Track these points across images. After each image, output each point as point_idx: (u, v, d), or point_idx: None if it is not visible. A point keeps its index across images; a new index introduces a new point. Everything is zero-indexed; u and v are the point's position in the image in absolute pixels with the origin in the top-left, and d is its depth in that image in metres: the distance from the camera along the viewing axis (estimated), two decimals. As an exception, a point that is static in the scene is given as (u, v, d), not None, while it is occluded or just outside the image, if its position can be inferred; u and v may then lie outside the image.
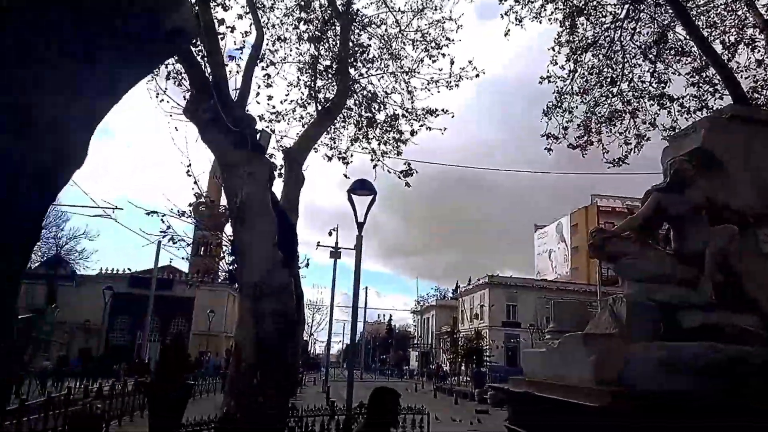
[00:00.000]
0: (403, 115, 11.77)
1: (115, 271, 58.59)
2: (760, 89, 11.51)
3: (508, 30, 11.74)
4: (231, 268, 7.71)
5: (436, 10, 11.56)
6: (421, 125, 11.60)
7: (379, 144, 11.93)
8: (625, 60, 12.00)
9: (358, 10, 11.30)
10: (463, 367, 46.86)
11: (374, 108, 11.95)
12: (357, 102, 11.94)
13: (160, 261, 41.23)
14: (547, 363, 5.45)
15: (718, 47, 10.95)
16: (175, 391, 12.56)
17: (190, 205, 9.23)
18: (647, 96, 11.82)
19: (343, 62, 10.71)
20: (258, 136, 7.88)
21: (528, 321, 44.90)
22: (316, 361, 66.71)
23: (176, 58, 8.72)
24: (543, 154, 12.18)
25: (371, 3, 11.63)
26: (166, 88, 9.22)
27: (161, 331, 52.94)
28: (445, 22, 11.48)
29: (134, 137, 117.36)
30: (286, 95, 11.56)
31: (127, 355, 45.32)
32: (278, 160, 9.86)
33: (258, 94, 10.73)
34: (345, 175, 11.77)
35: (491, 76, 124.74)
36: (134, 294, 52.74)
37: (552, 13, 11.84)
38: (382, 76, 11.86)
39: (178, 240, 8.64)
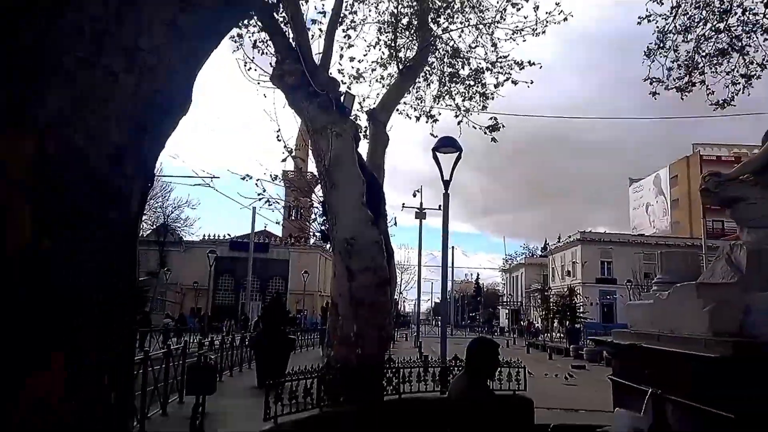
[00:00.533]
0: (488, 69, 11.42)
1: (216, 237, 62.56)
2: None
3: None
4: (323, 228, 8.02)
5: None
6: (507, 78, 11.23)
7: (463, 100, 11.71)
8: (735, -11, 10.82)
9: (438, -39, 10.98)
10: (555, 324, 46.12)
11: (457, 63, 11.69)
12: (439, 58, 11.73)
13: (255, 226, 43.63)
14: (655, 315, 5.27)
15: None
16: (278, 344, 13.48)
17: (283, 161, 9.57)
18: (759, 30, 10.63)
19: (423, 17, 10.53)
20: (342, 98, 8.03)
21: (624, 277, 43.06)
22: (406, 318, 68.24)
23: (261, 26, 8.98)
24: (635, 106, 11.43)
25: (451, -48, 11.24)
26: (252, 57, 9.55)
27: (261, 290, 56.30)
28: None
29: (226, 108, 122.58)
30: (364, 55, 11.57)
31: (232, 313, 48.77)
32: (362, 121, 10.00)
33: (341, 56, 10.85)
34: (432, 134, 11.69)
35: (580, 29, 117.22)
36: (234, 257, 56.26)
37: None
38: (465, 30, 11.53)
39: (273, 202, 9.05)
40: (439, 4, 11.04)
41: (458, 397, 3.69)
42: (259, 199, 8.79)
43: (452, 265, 53.80)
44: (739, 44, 10.90)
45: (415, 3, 11.02)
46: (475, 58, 11.49)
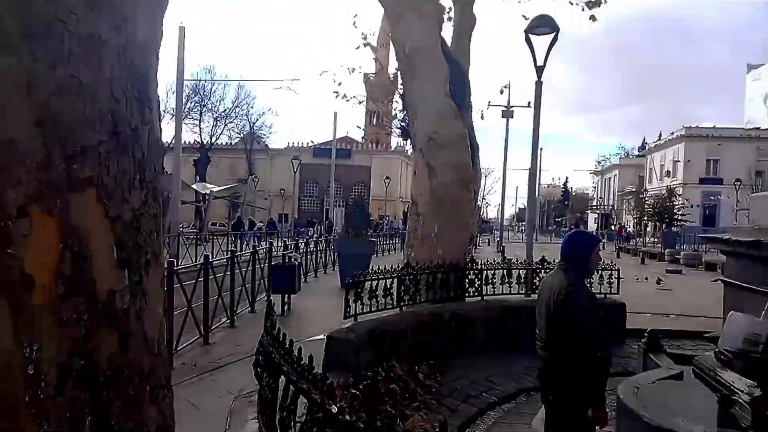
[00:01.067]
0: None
1: (299, 144, 63.66)
2: None
3: None
4: (403, 123, 7.46)
5: None
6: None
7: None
8: None
9: None
10: (648, 228, 43.79)
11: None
12: None
13: (337, 133, 43.59)
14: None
15: None
16: (360, 246, 13.53)
17: (357, 48, 8.81)
18: None
19: None
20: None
21: (732, 177, 39.49)
22: (488, 224, 67.63)
23: None
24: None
25: None
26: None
27: (343, 197, 57.47)
28: None
29: (301, 10, 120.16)
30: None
31: (316, 217, 50.40)
32: (446, 1, 8.94)
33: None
34: (524, 16, 10.41)
35: None
36: (318, 164, 57.25)
37: None
38: None
39: (351, 98, 8.53)
40: None
41: (554, 296, 3.19)
42: (336, 96, 8.24)
43: (540, 167, 51.80)
44: None
45: None
46: None
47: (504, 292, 7.48)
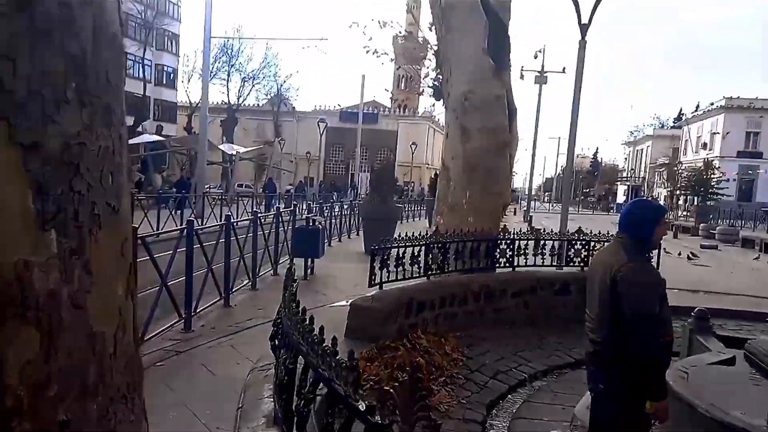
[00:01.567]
0: None
1: (326, 108, 63.04)
2: None
3: None
4: (436, 83, 7.00)
5: None
6: None
7: None
8: None
9: None
10: (680, 202, 42.47)
11: None
12: None
13: (364, 97, 42.92)
14: None
15: None
16: (385, 212, 13.24)
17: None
18: None
19: None
20: None
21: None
22: (514, 193, 66.61)
23: None
24: None
25: None
26: None
27: (369, 162, 57.04)
28: None
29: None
30: None
31: (341, 182, 50.21)
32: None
33: None
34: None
35: None
36: (344, 128, 56.74)
37: None
38: None
39: (381, 54, 8.06)
40: None
41: (610, 273, 2.81)
42: (367, 52, 7.79)
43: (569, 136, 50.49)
44: None
45: None
46: None
47: (537, 263, 7.11)
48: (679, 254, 16.51)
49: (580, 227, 7.36)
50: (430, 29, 7.77)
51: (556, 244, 7.24)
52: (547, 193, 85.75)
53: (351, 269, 10.32)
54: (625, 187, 72.27)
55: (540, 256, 7.11)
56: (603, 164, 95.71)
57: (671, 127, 69.58)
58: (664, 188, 50.99)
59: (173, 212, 17.01)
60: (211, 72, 32.86)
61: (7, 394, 0.89)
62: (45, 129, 0.93)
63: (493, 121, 6.24)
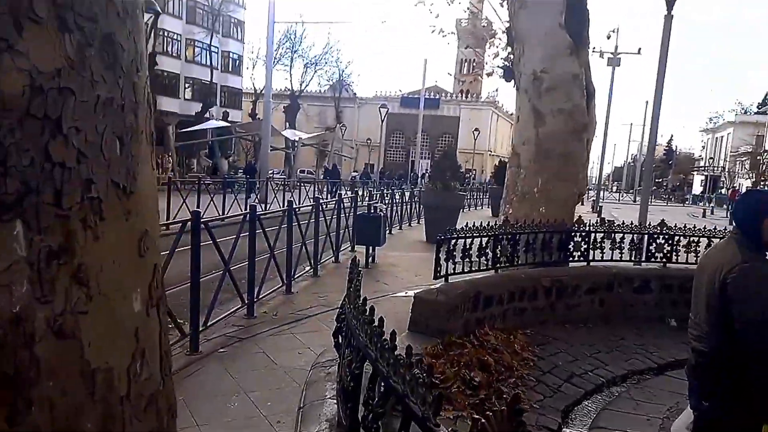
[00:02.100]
0: None
1: (387, 93, 62.87)
2: None
3: None
4: (506, 63, 6.59)
5: None
6: None
7: None
8: None
9: None
10: None
11: None
12: None
13: (426, 82, 42.37)
14: None
15: None
16: (447, 200, 12.91)
17: None
18: None
19: None
20: None
21: None
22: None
23: None
24: None
25: None
26: None
27: (430, 148, 56.48)
28: None
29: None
30: None
31: (402, 168, 50.00)
32: None
33: None
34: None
35: None
36: (405, 114, 56.44)
37: None
38: None
39: (448, 33, 7.72)
40: None
41: (720, 275, 2.44)
42: (432, 32, 7.41)
43: (644, 123, 48.06)
44: None
45: None
46: None
47: (613, 258, 6.62)
48: None
49: (663, 220, 6.78)
50: (502, 5, 7.33)
51: (636, 237, 6.71)
52: (616, 183, 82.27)
53: (412, 258, 10.10)
54: (703, 177, 68.23)
55: (618, 250, 6.61)
56: (678, 152, 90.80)
57: (755, 113, 64.82)
58: (747, 178, 47.67)
59: (244, 197, 17.41)
60: (275, 58, 33.28)
61: None
62: None
63: (570, 103, 5.79)
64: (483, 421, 1.03)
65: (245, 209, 11.01)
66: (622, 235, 6.63)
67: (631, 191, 58.92)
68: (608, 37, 25.29)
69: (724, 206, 39.30)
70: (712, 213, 34.34)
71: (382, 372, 1.56)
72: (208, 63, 37.83)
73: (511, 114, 67.81)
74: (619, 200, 47.02)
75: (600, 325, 6.01)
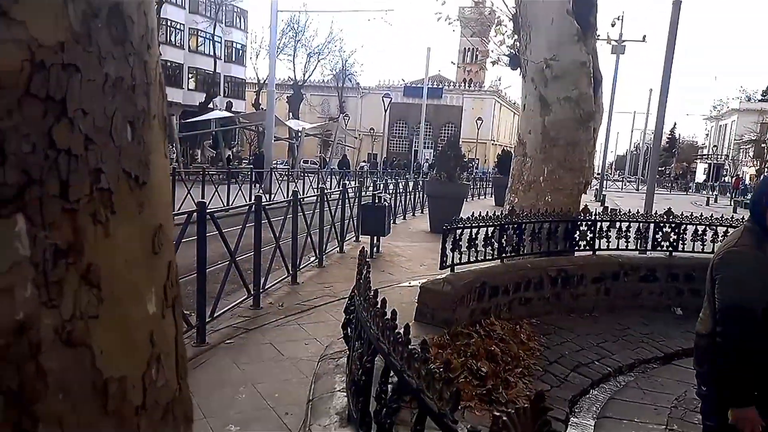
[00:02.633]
0: None
1: (390, 83, 62.59)
2: None
3: None
4: (512, 51, 6.52)
5: None
6: None
7: None
8: None
9: None
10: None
11: None
12: None
13: (429, 71, 42.10)
14: None
15: None
16: (451, 189, 12.87)
17: None
18: None
19: None
20: None
21: None
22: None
23: None
24: None
25: None
26: None
27: (433, 138, 56.30)
28: None
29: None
30: None
31: (404, 158, 49.88)
32: None
33: None
34: None
35: None
36: (408, 103, 56.22)
37: None
38: None
39: (453, 20, 7.62)
40: None
41: (714, 259, 2.45)
42: (438, 20, 7.37)
43: (647, 111, 47.76)
44: None
45: None
46: None
47: (619, 247, 6.59)
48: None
49: (669, 208, 6.74)
50: (494, 10, 7.24)
51: (642, 226, 6.67)
52: (618, 171, 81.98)
53: (417, 248, 10.09)
54: (706, 165, 67.95)
55: (624, 239, 6.58)
56: (681, 140, 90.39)
57: (759, 100, 64.35)
58: (751, 166, 47.43)
59: (249, 187, 17.43)
60: (278, 48, 33.12)
61: None
62: None
63: (577, 91, 5.73)
64: (505, 418, 1.01)
65: (249, 200, 11.00)
66: (627, 223, 6.60)
67: (632, 179, 58.74)
68: (613, 25, 25.02)
69: (728, 194, 39.19)
70: (715, 201, 34.24)
71: (396, 366, 1.54)
72: (212, 53, 37.67)
73: (514, 103, 67.20)
74: (622, 189, 46.89)
75: (606, 315, 6.00)
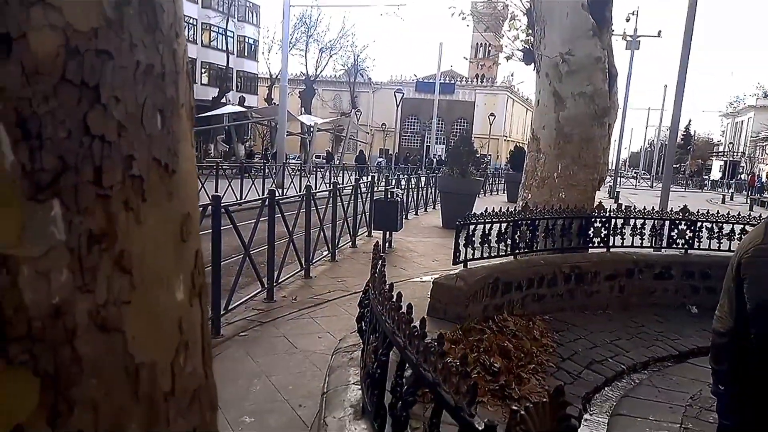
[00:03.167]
0: None
1: (402, 78, 62.43)
2: None
3: None
4: (526, 45, 6.48)
5: None
6: None
7: None
8: None
9: None
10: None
11: None
12: None
13: (441, 66, 41.96)
14: None
15: None
16: (464, 185, 12.83)
17: None
18: None
19: None
20: None
21: None
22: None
23: None
24: None
25: None
26: None
27: (445, 133, 56.13)
28: None
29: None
30: None
31: (417, 153, 49.82)
32: None
33: None
34: None
35: None
36: (420, 99, 56.07)
37: None
38: None
39: (466, 16, 7.59)
40: None
41: (737, 255, 2.41)
42: (452, 15, 7.31)
43: (662, 107, 47.23)
44: None
45: None
46: None
47: (633, 244, 6.53)
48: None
49: (685, 206, 6.67)
50: (511, 17, 7.20)
51: (657, 223, 6.61)
52: (632, 168, 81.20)
53: (429, 243, 10.09)
54: (722, 162, 67.08)
55: (638, 237, 6.52)
56: (696, 138, 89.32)
57: (778, 97, 63.37)
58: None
59: (261, 181, 17.53)
60: (290, 43, 33.18)
61: None
62: (27, 15, 0.52)
63: (592, 86, 5.68)
64: (522, 413, 1.02)
65: (262, 194, 11.05)
66: (642, 221, 6.54)
67: (646, 176, 58.18)
68: (627, 20, 24.71)
69: (744, 192, 38.69)
70: (731, 199, 33.78)
71: (411, 360, 1.55)
72: (224, 48, 37.82)
73: (527, 99, 66.64)
74: (636, 186, 46.47)
75: (620, 312, 5.96)
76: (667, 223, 6.63)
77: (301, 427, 3.30)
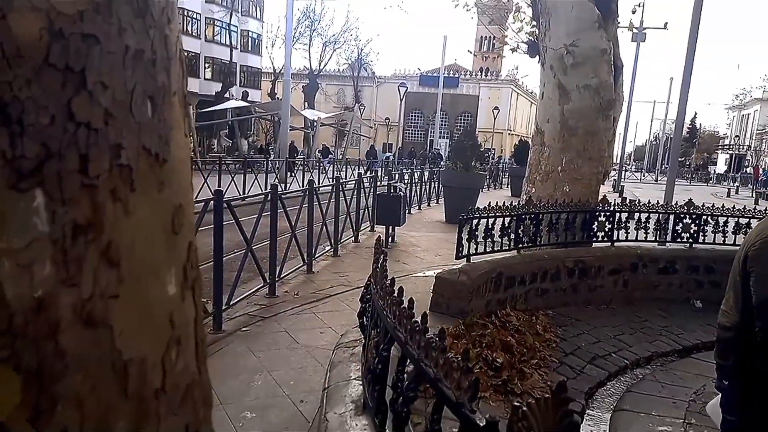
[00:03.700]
0: None
1: (406, 72, 62.25)
2: None
3: None
4: (531, 38, 6.43)
5: None
6: None
7: None
8: None
9: None
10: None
11: None
12: None
13: (445, 60, 41.80)
14: None
15: None
16: (467, 180, 12.80)
17: None
18: None
19: None
20: None
21: None
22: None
23: None
24: None
25: None
26: None
27: (449, 127, 55.98)
28: None
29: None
30: None
31: (420, 148, 49.71)
32: None
33: None
34: None
35: None
36: (424, 93, 55.89)
37: None
38: None
39: (471, 8, 7.53)
40: None
41: (744, 248, 2.38)
42: (455, 6, 7.24)
43: (668, 100, 46.99)
44: None
45: None
46: None
47: (638, 238, 6.49)
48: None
49: (690, 199, 6.62)
50: (516, 10, 7.13)
51: (662, 217, 6.56)
52: (636, 162, 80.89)
53: (432, 238, 10.07)
54: (727, 155, 66.74)
55: (643, 231, 6.48)
56: (702, 131, 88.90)
57: (785, 90, 62.91)
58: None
59: (264, 176, 17.53)
60: (294, 37, 33.08)
61: None
62: None
63: (597, 79, 5.63)
64: (524, 408, 0.99)
65: (265, 189, 11.04)
66: (647, 214, 6.49)
67: (652, 170, 57.94)
68: (633, 12, 24.53)
69: (749, 186, 38.49)
70: (736, 192, 33.65)
71: (413, 355, 1.53)
72: (228, 42, 37.74)
73: (531, 92, 66.28)
74: (640, 179, 46.30)
75: (623, 307, 5.93)
76: (671, 216, 6.58)
77: (303, 422, 3.29)
